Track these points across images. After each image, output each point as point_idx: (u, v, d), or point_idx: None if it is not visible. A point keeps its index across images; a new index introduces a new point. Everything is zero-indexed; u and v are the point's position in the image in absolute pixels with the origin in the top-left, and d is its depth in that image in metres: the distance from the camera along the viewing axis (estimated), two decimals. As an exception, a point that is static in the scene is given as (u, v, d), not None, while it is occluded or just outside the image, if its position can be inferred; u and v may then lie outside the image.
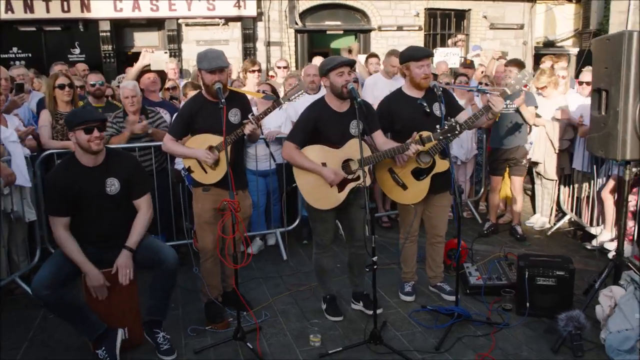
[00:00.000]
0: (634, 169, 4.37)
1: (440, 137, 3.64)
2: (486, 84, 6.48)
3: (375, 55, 7.50)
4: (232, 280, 4.10)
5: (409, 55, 4.02)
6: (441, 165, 4.02)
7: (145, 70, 5.64)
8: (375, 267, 3.51)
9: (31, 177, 4.55)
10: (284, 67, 7.09)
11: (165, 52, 6.33)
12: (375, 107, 4.21)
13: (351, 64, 3.72)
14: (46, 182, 3.94)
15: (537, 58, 13.32)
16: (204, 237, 3.98)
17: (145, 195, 3.74)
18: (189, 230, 5.35)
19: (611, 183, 5.17)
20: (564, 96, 6.05)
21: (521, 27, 13.44)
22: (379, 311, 3.71)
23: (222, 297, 4.21)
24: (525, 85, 4.29)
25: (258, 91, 5.29)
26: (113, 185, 3.58)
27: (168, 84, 6.23)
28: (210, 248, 3.97)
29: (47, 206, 3.66)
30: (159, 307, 3.71)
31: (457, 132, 3.58)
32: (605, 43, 3.58)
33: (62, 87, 4.83)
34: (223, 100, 3.52)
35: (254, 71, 6.20)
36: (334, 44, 13.91)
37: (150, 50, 5.87)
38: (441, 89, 3.92)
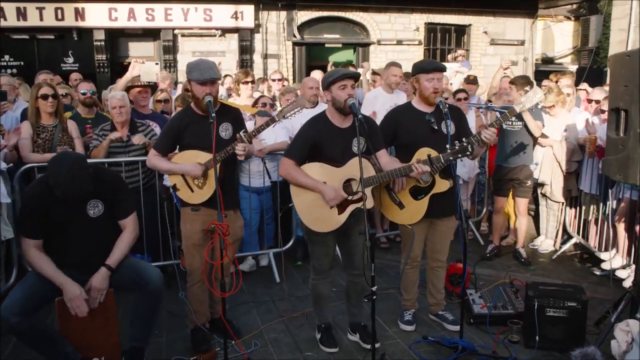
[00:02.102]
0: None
1: (451, 158, 3.40)
2: (489, 101, 6.29)
3: (376, 73, 7.32)
4: (220, 307, 3.85)
5: (420, 68, 3.80)
6: (441, 186, 3.77)
7: (135, 85, 5.38)
8: (374, 297, 3.24)
9: (9, 191, 4.28)
10: (279, 80, 6.86)
11: (157, 64, 6.08)
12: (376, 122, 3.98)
13: (355, 76, 3.47)
14: (22, 200, 3.68)
15: (536, 75, 13.21)
16: (192, 261, 3.72)
17: (132, 215, 3.48)
18: (177, 249, 5.08)
19: (623, 207, 4.93)
20: (571, 115, 5.83)
21: (522, 43, 13.31)
22: (376, 345, 3.42)
23: (210, 324, 3.94)
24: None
25: (255, 105, 5.03)
26: (96, 207, 3.31)
27: (160, 96, 5.97)
28: (198, 272, 3.71)
29: (20, 226, 3.38)
30: (142, 334, 3.46)
31: (468, 153, 3.34)
32: (625, 59, 3.35)
33: (45, 97, 4.56)
34: (213, 115, 3.28)
35: (247, 82, 5.95)
36: (333, 57, 13.72)
37: (141, 61, 5.61)
38: (447, 106, 3.68)
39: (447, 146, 3.42)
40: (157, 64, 6.10)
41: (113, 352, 3.37)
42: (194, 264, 3.73)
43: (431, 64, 3.84)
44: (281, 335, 4.07)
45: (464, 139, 3.41)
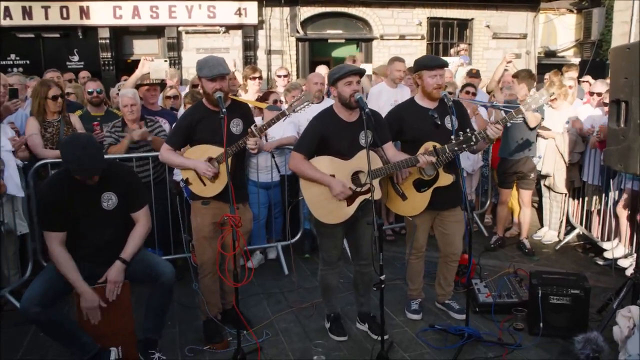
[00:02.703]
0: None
1: (455, 149, 3.48)
2: (493, 95, 6.36)
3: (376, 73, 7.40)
4: (232, 298, 3.94)
5: (422, 64, 3.88)
6: (444, 179, 3.85)
7: (144, 83, 5.48)
8: (383, 285, 3.34)
9: (24, 187, 4.38)
10: (284, 76, 6.95)
11: (165, 61, 6.17)
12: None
13: (360, 72, 3.56)
14: (39, 196, 3.78)
15: (538, 68, 13.23)
16: (202, 253, 3.82)
17: (144, 208, 3.58)
18: (188, 242, 5.18)
19: (625, 197, 5.01)
20: (573, 107, 5.91)
21: (524, 36, 13.34)
22: (385, 337, 3.52)
23: (222, 315, 4.04)
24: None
25: (265, 100, 5.12)
26: (110, 200, 3.41)
27: (169, 92, 6.07)
28: (209, 264, 3.80)
29: (41, 221, 3.49)
30: (155, 325, 3.57)
31: (472, 143, 3.43)
32: (625, 52, 3.42)
33: (55, 98, 4.70)
34: (224, 110, 3.37)
35: (254, 78, 6.05)
36: (336, 53, 13.80)
37: (150, 59, 5.70)
38: (452, 100, 3.76)
39: (452, 137, 3.50)
40: (166, 61, 6.20)
41: (128, 342, 3.48)
42: (204, 256, 3.82)
43: (433, 61, 3.92)
44: (291, 325, 4.17)
45: (468, 130, 3.50)
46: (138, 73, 5.62)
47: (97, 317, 3.30)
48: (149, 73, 5.58)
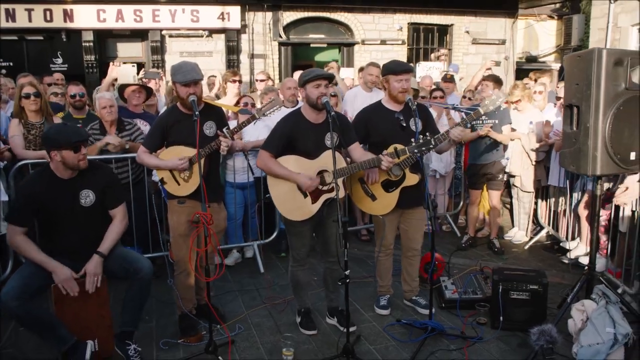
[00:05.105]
0: (606, 184, 4.44)
1: (415, 151, 3.66)
2: (469, 98, 6.59)
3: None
4: (205, 292, 4.09)
5: (389, 69, 4.07)
6: (411, 179, 4.04)
7: (130, 83, 5.61)
8: (347, 281, 3.50)
9: (5, 188, 4.49)
10: (262, 80, 7.12)
11: (133, 66, 6.24)
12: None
13: (329, 77, 3.73)
14: (16, 192, 3.90)
15: (519, 73, 13.51)
16: (179, 250, 3.96)
17: (121, 205, 3.73)
18: (165, 242, 5.31)
19: (586, 198, 5.23)
20: (538, 110, 6.13)
21: (503, 42, 13.63)
22: (352, 328, 3.69)
23: (197, 310, 4.18)
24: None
25: (237, 104, 5.28)
26: (88, 197, 3.56)
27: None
28: (185, 260, 3.95)
29: (10, 214, 3.60)
30: (132, 319, 3.70)
31: (431, 146, 3.61)
32: (577, 60, 3.62)
33: (27, 96, 4.81)
34: (197, 113, 3.53)
35: (234, 81, 6.20)
36: (318, 57, 13.98)
37: (117, 64, 5.87)
38: (415, 104, 3.95)
39: (413, 140, 3.69)
40: (133, 66, 6.27)
41: (105, 335, 3.62)
42: (180, 253, 3.97)
43: (400, 66, 4.10)
44: (264, 319, 4.32)
45: (427, 133, 3.69)
46: (108, 79, 5.78)
47: (76, 288, 3.41)
48: (117, 79, 5.71)
